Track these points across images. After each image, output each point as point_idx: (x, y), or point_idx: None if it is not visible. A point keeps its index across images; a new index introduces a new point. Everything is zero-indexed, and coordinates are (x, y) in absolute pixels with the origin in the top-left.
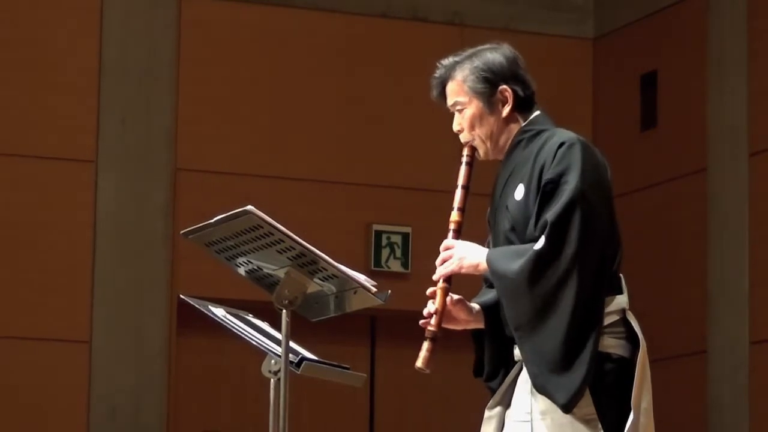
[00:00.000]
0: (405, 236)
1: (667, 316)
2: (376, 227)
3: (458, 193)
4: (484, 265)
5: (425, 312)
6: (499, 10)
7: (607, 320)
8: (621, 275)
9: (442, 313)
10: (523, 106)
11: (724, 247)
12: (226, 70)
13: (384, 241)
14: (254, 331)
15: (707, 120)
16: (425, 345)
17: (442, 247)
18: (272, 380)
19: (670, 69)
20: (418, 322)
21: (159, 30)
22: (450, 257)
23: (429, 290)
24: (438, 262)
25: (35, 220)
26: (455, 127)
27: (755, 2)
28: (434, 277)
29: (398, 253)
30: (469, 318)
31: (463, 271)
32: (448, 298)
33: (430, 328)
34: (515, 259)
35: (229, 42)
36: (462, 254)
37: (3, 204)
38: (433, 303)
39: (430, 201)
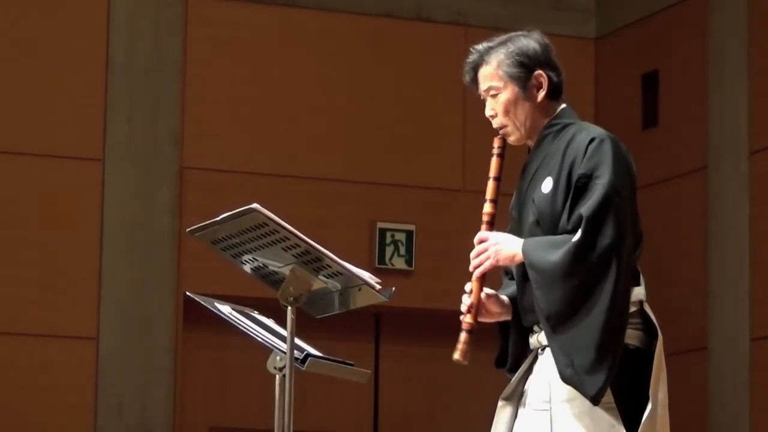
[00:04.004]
0: (409, 234)
1: (668, 312)
2: (380, 225)
3: (490, 185)
4: (520, 256)
5: (462, 307)
6: (502, 10)
7: None
8: (638, 268)
9: (478, 306)
10: (554, 93)
11: (725, 244)
12: (232, 70)
13: (388, 239)
14: (260, 327)
15: (708, 119)
16: (462, 337)
17: (476, 240)
18: (277, 376)
19: (671, 68)
20: (422, 319)
21: (165, 29)
22: (485, 250)
23: (467, 286)
24: (473, 254)
25: (43, 218)
26: (488, 112)
27: (756, 2)
28: (470, 269)
29: (402, 250)
30: (501, 311)
31: (500, 263)
32: (482, 293)
33: (467, 320)
34: (552, 250)
35: (234, 41)
36: (497, 246)
37: (11, 202)
38: (469, 297)
39: (434, 199)
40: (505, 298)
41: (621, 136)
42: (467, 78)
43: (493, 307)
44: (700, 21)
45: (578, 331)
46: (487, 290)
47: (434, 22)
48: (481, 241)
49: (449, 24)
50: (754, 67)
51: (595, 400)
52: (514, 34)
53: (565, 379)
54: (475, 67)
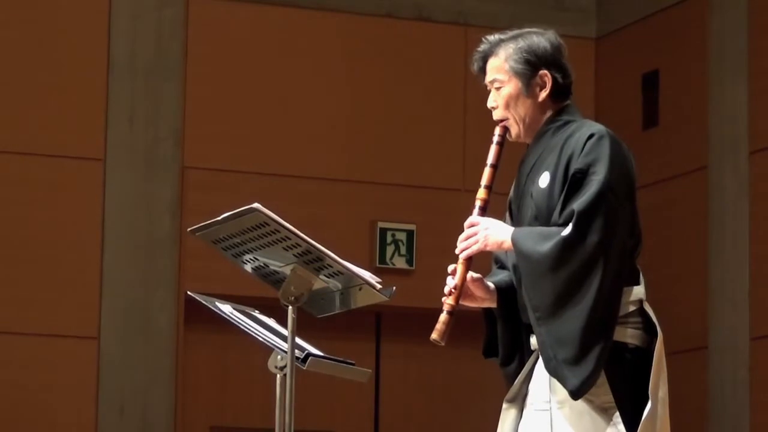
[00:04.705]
0: (410, 233)
1: (668, 312)
2: (381, 224)
3: (486, 171)
4: (508, 243)
5: (446, 289)
6: (502, 10)
7: (625, 311)
8: (639, 267)
9: (461, 288)
10: (559, 94)
11: (725, 244)
12: (233, 70)
13: (389, 239)
14: (261, 327)
15: (708, 118)
16: (442, 318)
17: (466, 224)
18: (278, 376)
19: (671, 68)
20: (422, 319)
21: (167, 29)
22: (474, 234)
23: (450, 267)
24: (461, 237)
25: (44, 218)
26: (490, 104)
27: (756, 2)
28: (457, 252)
29: (403, 250)
30: (485, 296)
31: (488, 248)
32: (468, 275)
33: (448, 302)
34: (542, 241)
35: (236, 41)
36: (487, 231)
37: (12, 202)
38: (453, 278)
39: (435, 198)
40: (491, 284)
41: (621, 136)
42: (475, 66)
43: (478, 291)
44: (700, 21)
45: (562, 325)
46: (472, 274)
47: (434, 22)
48: (471, 225)
49: (449, 24)
50: (754, 67)
51: (575, 395)
52: (528, 30)
53: (549, 371)
54: (485, 57)
